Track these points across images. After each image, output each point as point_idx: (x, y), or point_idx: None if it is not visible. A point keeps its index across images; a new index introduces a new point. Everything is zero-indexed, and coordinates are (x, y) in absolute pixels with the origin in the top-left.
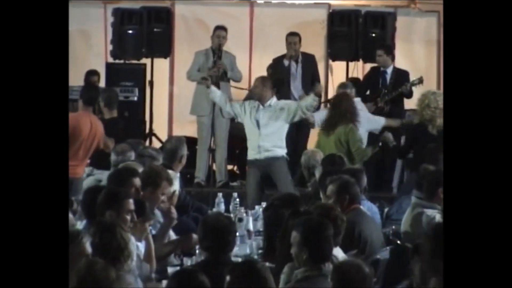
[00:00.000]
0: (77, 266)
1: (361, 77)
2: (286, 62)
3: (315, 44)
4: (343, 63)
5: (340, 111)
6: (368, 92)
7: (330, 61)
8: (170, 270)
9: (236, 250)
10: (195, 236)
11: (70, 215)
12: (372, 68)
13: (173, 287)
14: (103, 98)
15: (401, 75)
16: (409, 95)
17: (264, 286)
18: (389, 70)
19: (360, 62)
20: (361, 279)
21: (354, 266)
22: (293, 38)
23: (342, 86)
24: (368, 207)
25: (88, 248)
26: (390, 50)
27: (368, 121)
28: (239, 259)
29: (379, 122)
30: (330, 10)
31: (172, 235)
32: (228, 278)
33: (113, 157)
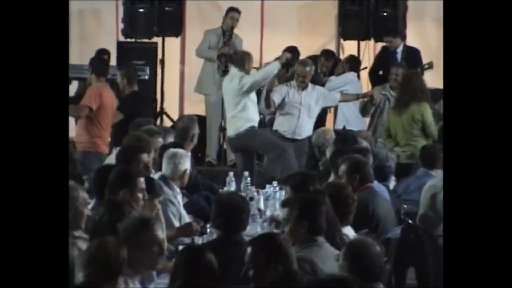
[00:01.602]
0: (89, 244)
1: (372, 56)
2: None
3: (326, 23)
4: (354, 42)
5: (410, 90)
6: (381, 72)
7: (342, 40)
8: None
9: (247, 229)
10: (195, 224)
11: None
12: (383, 48)
13: (180, 262)
14: (124, 75)
15: (411, 53)
16: None
17: (285, 260)
18: (399, 50)
19: (372, 41)
20: (373, 257)
21: (365, 244)
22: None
23: (302, 63)
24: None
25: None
26: (396, 33)
27: (325, 98)
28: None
29: (335, 98)
30: None
31: (184, 214)
32: (249, 250)
33: None
